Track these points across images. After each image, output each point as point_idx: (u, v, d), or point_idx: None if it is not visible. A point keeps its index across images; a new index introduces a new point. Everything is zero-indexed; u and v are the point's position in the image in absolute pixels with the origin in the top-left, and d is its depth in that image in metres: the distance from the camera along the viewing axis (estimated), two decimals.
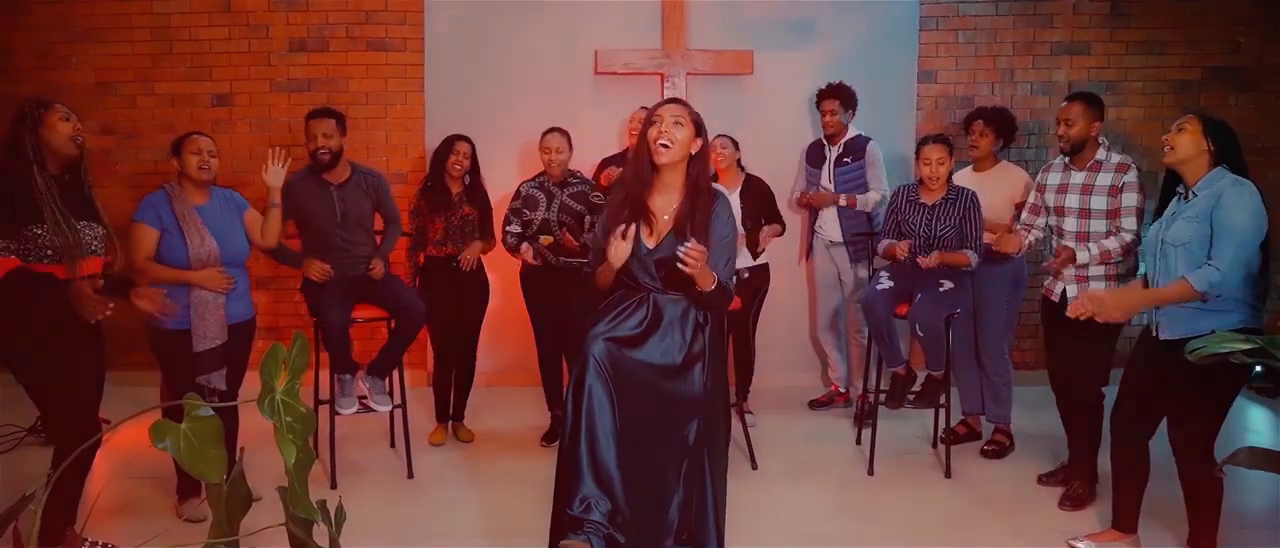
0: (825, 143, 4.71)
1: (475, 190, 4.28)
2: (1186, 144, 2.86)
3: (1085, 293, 3.03)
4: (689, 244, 2.48)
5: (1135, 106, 5.31)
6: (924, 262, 3.83)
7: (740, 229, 4.11)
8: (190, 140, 3.35)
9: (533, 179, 4.28)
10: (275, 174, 3.49)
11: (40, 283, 2.85)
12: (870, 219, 4.61)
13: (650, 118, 2.62)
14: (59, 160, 2.94)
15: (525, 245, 4.13)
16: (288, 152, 3.56)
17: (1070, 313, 2.98)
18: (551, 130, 4.25)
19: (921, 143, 4.03)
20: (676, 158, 2.61)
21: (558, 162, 4.16)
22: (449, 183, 4.19)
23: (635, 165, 2.66)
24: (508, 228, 4.23)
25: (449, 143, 4.20)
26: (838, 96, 4.58)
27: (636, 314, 2.64)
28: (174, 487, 3.51)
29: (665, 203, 2.66)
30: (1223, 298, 2.78)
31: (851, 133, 4.64)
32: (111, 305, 2.94)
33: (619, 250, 2.59)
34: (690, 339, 2.63)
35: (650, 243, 2.64)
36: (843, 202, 4.58)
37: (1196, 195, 2.84)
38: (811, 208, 4.77)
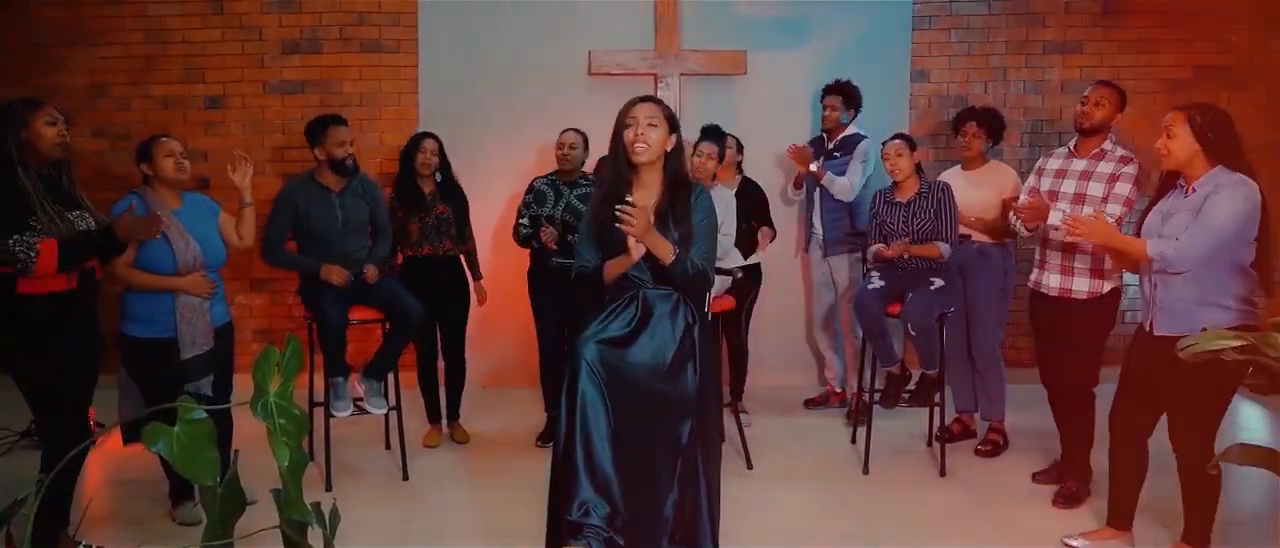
0: (825, 137, 4.74)
1: (449, 188, 4.27)
2: (1179, 148, 2.85)
3: (1096, 216, 3.02)
4: (625, 205, 2.49)
5: (1127, 106, 5.31)
6: (886, 251, 3.86)
7: (730, 228, 4.11)
8: (161, 143, 3.27)
9: (546, 176, 4.31)
10: (243, 174, 3.46)
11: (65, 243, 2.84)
12: (852, 218, 4.62)
13: (625, 120, 2.66)
14: (44, 162, 2.92)
15: (545, 227, 4.10)
16: (270, 155, 3.56)
17: (1065, 226, 2.99)
18: (568, 129, 4.28)
19: (883, 144, 4.08)
20: (654, 157, 2.66)
21: (571, 157, 4.18)
22: (420, 182, 4.19)
23: (614, 167, 2.72)
24: (519, 221, 4.25)
25: (416, 141, 4.21)
26: (840, 93, 4.62)
27: (625, 312, 2.65)
28: (166, 491, 3.50)
29: (645, 199, 2.69)
30: (1217, 294, 2.79)
31: (850, 131, 4.66)
32: (164, 219, 2.93)
33: (638, 248, 2.58)
34: (680, 337, 2.64)
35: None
36: (814, 168, 4.57)
37: (1195, 191, 2.84)
38: (801, 171, 4.73)
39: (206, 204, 3.49)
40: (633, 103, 2.68)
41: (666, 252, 2.58)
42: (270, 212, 3.88)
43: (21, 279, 2.82)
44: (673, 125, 2.69)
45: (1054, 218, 3.46)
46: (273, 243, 3.83)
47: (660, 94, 5.06)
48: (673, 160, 2.70)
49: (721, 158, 4.34)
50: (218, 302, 3.38)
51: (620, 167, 2.69)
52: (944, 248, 3.90)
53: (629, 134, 2.64)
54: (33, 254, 2.75)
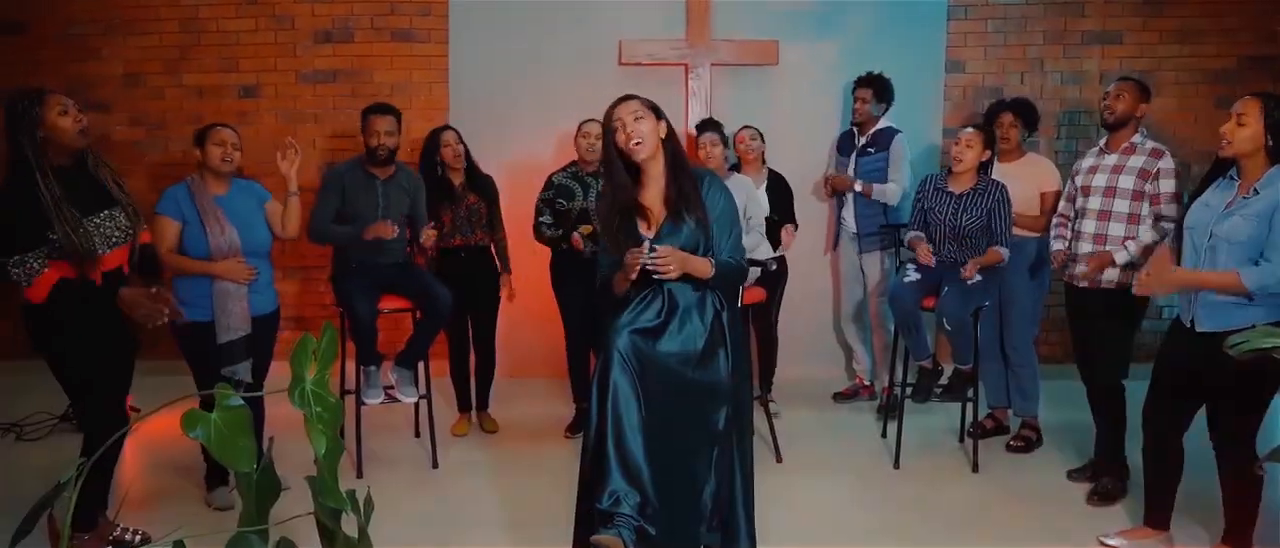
0: (856, 131, 4.68)
1: (478, 179, 4.28)
2: (1246, 139, 2.76)
3: (1160, 263, 2.93)
4: (653, 254, 2.48)
5: (1168, 97, 5.21)
6: (965, 274, 3.78)
7: (758, 219, 4.07)
8: (214, 132, 3.36)
9: (564, 169, 4.28)
10: (292, 164, 3.51)
11: (72, 280, 2.85)
12: (886, 212, 4.57)
13: (610, 125, 2.61)
14: (67, 155, 2.88)
15: (575, 234, 4.05)
16: (303, 143, 3.57)
17: (1137, 290, 2.90)
18: (590, 119, 4.25)
19: (961, 127, 3.99)
20: (652, 150, 2.62)
21: (596, 147, 4.15)
22: (450, 175, 4.20)
23: (612, 175, 2.66)
24: (540, 219, 4.21)
25: (434, 136, 4.22)
26: (871, 86, 4.55)
27: (654, 305, 2.63)
28: (203, 476, 3.54)
29: (656, 193, 2.67)
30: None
31: (883, 124, 4.60)
32: (166, 312, 2.96)
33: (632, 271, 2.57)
34: (710, 325, 2.62)
35: (650, 235, 2.64)
36: (858, 188, 4.53)
37: (1257, 193, 2.75)
38: (835, 193, 4.74)
39: (255, 191, 3.53)
40: (611, 107, 2.63)
41: (704, 268, 2.57)
42: (318, 193, 3.94)
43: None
44: (658, 113, 2.65)
45: (1120, 258, 3.43)
46: (318, 223, 3.85)
47: (691, 84, 5.04)
48: (670, 146, 2.66)
49: (725, 143, 4.34)
50: (262, 289, 3.40)
51: (618, 174, 2.63)
52: (1003, 252, 3.84)
53: (619, 138, 2.59)
54: (31, 278, 2.77)
